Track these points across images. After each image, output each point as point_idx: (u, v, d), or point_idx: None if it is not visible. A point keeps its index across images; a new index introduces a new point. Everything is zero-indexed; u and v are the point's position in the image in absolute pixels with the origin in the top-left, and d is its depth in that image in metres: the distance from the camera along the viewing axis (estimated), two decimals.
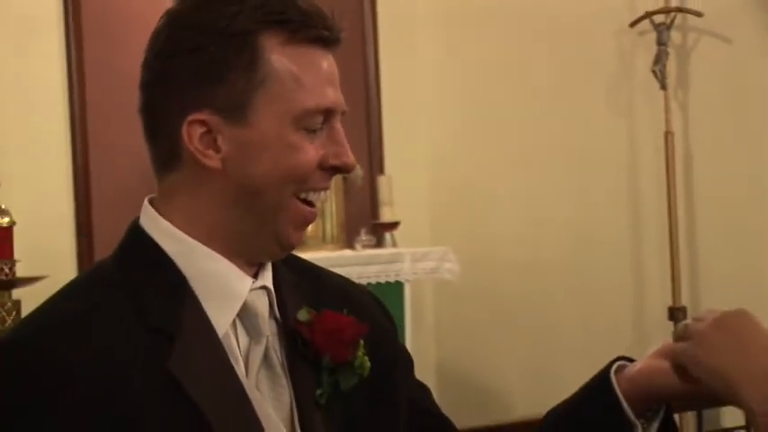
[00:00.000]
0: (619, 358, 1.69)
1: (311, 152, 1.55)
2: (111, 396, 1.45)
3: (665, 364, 1.62)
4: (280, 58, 1.54)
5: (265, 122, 1.54)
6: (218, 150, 1.54)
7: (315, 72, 1.56)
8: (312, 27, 1.55)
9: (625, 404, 1.62)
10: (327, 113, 1.56)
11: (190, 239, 1.56)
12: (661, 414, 1.65)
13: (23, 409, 1.46)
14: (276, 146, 1.54)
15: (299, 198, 1.57)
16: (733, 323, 1.61)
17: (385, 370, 1.67)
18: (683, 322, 1.64)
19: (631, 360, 1.68)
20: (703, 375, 1.57)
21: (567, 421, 1.55)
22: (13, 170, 4.98)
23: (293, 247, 1.62)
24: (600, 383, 1.65)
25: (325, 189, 1.60)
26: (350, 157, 1.59)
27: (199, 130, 1.53)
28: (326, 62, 1.57)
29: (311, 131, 1.55)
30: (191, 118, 1.53)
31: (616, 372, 1.65)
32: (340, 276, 1.79)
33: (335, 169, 1.58)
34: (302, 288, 1.66)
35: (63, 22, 5.27)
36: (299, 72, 1.54)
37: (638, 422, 1.62)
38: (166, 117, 1.56)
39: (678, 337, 1.63)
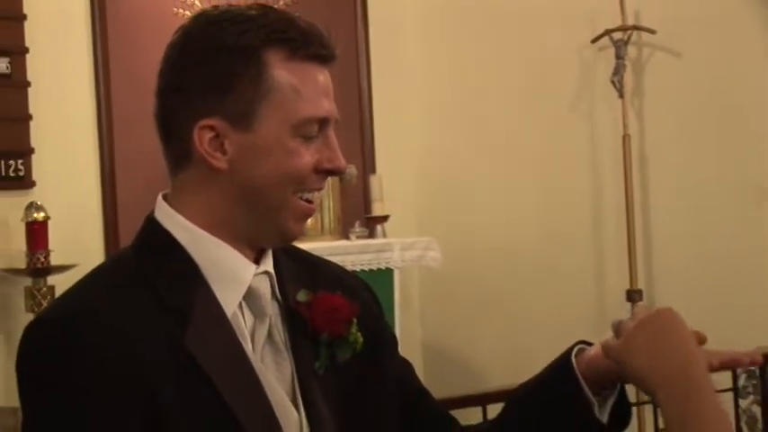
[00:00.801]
0: (579, 342, 1.69)
1: (307, 157, 1.56)
2: (133, 370, 1.45)
3: None
4: (282, 72, 1.54)
5: (268, 129, 1.54)
6: (225, 153, 1.55)
7: (312, 85, 1.57)
8: (311, 45, 1.56)
9: (584, 384, 1.63)
10: (322, 122, 1.58)
11: (199, 230, 1.57)
12: (616, 392, 1.66)
13: (51, 382, 1.47)
14: (277, 150, 1.55)
15: (297, 197, 1.58)
16: (654, 324, 1.57)
17: (373, 347, 1.68)
18: (618, 319, 1.60)
19: (590, 344, 1.68)
20: (627, 374, 1.56)
21: (533, 399, 1.55)
22: (48, 172, 4.98)
23: (295, 239, 1.62)
24: (561, 365, 1.66)
25: (320, 189, 1.61)
26: (342, 162, 1.60)
27: (208, 134, 1.54)
28: (322, 76, 1.58)
29: (308, 138, 1.56)
30: (201, 123, 1.54)
31: (576, 355, 1.66)
32: (334, 264, 1.80)
33: (329, 172, 1.59)
34: (300, 273, 1.67)
35: (91, 40, 5.26)
36: (298, 85, 1.55)
37: (594, 400, 1.63)
38: (179, 122, 1.56)
39: (613, 332, 1.60)
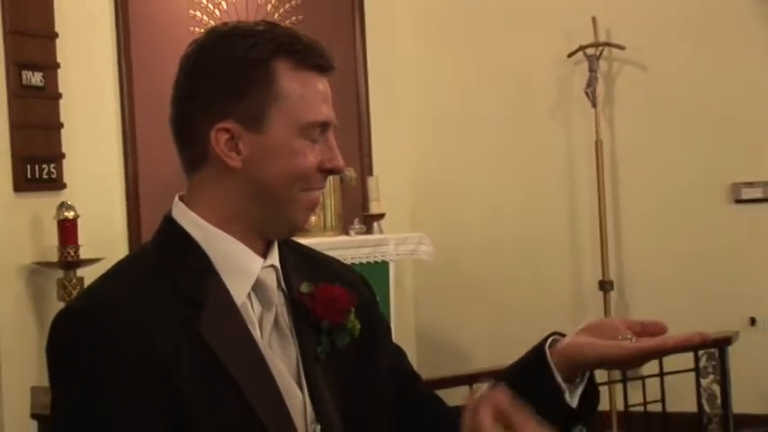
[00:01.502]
0: (553, 333, 1.69)
1: (311, 157, 1.57)
2: (152, 364, 1.45)
3: (587, 340, 1.63)
4: (289, 80, 1.55)
5: (278, 131, 1.55)
6: (239, 153, 1.54)
7: (314, 92, 1.57)
8: (313, 57, 1.57)
9: (555, 372, 1.63)
10: (324, 126, 1.58)
11: (212, 227, 1.57)
12: (585, 380, 1.66)
13: (76, 371, 1.46)
14: (285, 150, 1.55)
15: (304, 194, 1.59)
16: None
17: (369, 335, 1.68)
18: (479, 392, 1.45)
19: (563, 335, 1.69)
20: None
21: (510, 384, 1.56)
22: (78, 175, 4.98)
23: (301, 230, 1.63)
24: (536, 354, 1.66)
25: (322, 189, 1.62)
26: (341, 162, 1.61)
27: (224, 136, 1.54)
28: (322, 84, 1.59)
29: (312, 141, 1.57)
30: (218, 126, 1.54)
31: (551, 345, 1.66)
32: (333, 258, 1.79)
33: (330, 171, 1.59)
34: (302, 267, 1.67)
35: (116, 56, 5.26)
36: (303, 92, 1.56)
37: (565, 387, 1.63)
38: (196, 126, 1.56)
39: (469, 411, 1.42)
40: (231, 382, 1.48)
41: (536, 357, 1.66)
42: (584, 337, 1.65)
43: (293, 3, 5.91)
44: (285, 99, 1.55)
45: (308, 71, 1.57)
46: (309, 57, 1.57)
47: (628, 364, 1.69)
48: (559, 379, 1.63)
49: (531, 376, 1.65)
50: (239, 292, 1.56)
